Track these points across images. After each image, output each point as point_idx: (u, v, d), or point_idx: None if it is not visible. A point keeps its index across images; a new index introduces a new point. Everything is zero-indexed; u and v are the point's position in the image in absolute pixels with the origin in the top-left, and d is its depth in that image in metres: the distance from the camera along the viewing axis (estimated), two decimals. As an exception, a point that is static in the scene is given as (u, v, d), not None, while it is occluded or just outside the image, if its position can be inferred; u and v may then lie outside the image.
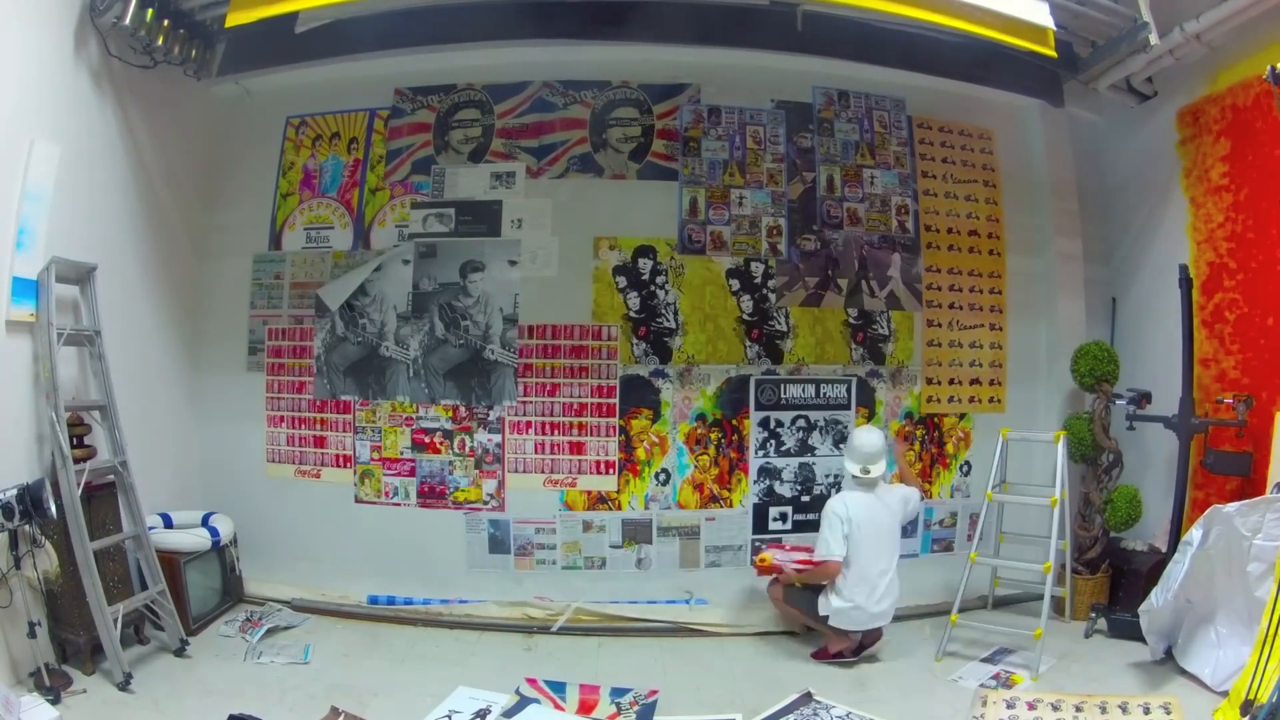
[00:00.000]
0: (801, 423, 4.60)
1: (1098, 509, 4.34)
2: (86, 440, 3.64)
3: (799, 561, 3.88)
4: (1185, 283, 4.16)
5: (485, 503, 4.52)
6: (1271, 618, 2.96)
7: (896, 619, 4.19)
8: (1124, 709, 3.12)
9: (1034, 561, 3.97)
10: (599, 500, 4.50)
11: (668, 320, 4.56)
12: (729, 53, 4.49)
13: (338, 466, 4.61)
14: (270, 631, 4.00)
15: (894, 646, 3.96)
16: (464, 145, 4.67)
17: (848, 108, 4.80)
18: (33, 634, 3.09)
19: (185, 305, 4.63)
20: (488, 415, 4.52)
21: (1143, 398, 4.21)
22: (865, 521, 3.73)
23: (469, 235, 4.59)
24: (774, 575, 3.96)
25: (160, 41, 3.91)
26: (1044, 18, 3.66)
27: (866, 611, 3.71)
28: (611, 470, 4.48)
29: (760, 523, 4.55)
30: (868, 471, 3.80)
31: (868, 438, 3.88)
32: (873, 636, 3.85)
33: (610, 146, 4.65)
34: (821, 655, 3.83)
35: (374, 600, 4.39)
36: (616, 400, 4.51)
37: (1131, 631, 3.72)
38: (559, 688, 3.43)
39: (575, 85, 4.66)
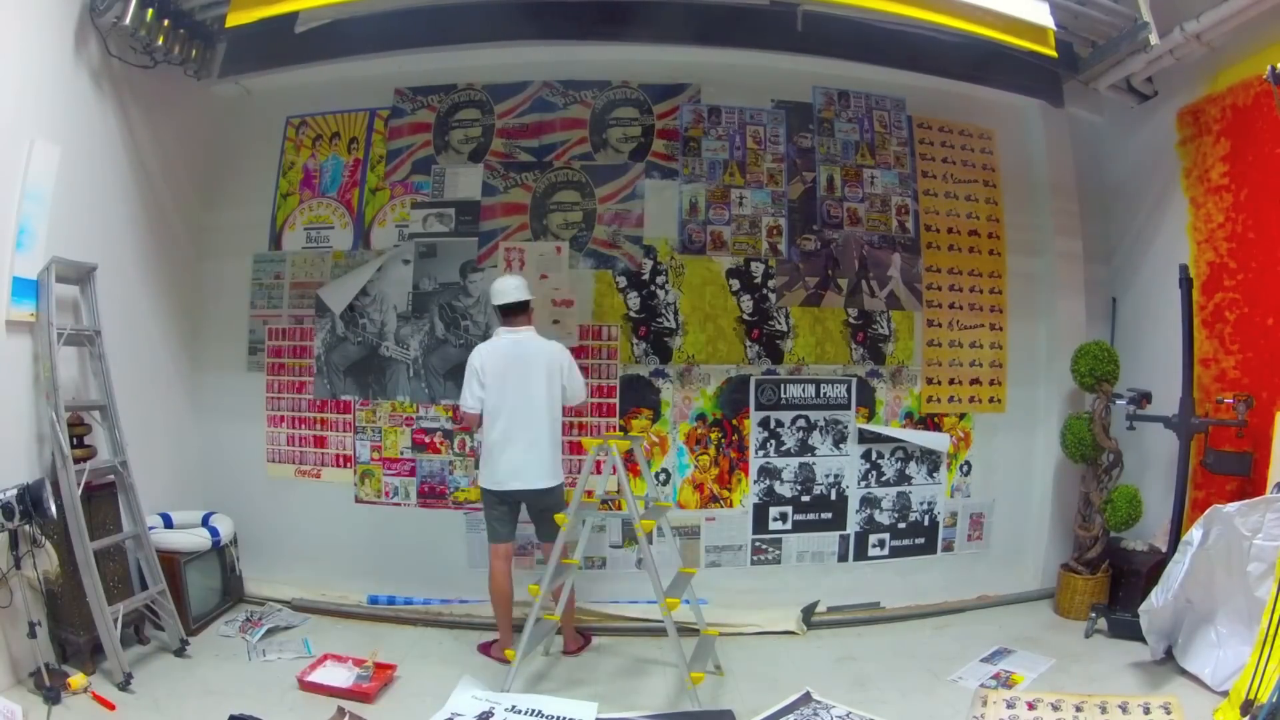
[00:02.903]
0: (802, 423, 4.59)
1: (1098, 509, 4.33)
2: (86, 440, 3.64)
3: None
4: (1185, 283, 4.16)
5: (485, 503, 4.52)
6: (1271, 618, 2.96)
7: (897, 619, 4.20)
8: (1124, 709, 3.11)
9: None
10: (599, 500, 4.48)
11: (668, 320, 4.56)
12: (729, 53, 4.48)
13: (338, 466, 4.61)
14: (270, 631, 4.00)
15: (894, 646, 3.97)
16: (464, 145, 4.67)
17: (848, 108, 4.80)
18: (33, 634, 3.09)
19: (185, 305, 4.63)
20: (488, 415, 4.52)
21: (1143, 398, 4.21)
22: (497, 373, 3.62)
23: (469, 235, 4.59)
24: None
25: (160, 41, 3.91)
26: (1044, 18, 3.65)
27: (501, 468, 3.63)
28: (612, 470, 4.47)
29: (760, 522, 4.55)
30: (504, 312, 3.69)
31: (504, 281, 3.73)
32: (575, 645, 3.88)
33: (610, 146, 4.65)
34: (486, 648, 3.87)
35: (374, 600, 4.40)
36: (617, 400, 4.51)
37: (1131, 631, 3.72)
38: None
39: (575, 85, 4.66)
